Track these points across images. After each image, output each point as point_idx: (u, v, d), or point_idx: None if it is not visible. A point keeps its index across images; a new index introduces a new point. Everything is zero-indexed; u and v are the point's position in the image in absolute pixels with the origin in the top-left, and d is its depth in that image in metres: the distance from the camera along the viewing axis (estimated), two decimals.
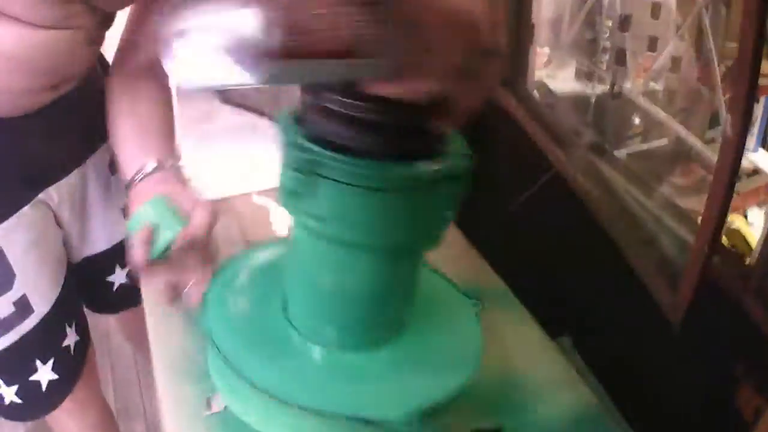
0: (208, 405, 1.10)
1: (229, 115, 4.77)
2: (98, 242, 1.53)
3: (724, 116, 1.02)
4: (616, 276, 1.34)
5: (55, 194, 1.36)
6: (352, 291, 0.96)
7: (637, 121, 1.81)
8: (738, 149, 0.99)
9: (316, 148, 0.82)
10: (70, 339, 1.43)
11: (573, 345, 1.39)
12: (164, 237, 1.10)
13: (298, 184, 0.85)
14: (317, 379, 0.99)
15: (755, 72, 0.95)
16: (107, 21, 1.21)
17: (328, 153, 0.81)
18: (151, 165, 1.17)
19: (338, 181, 0.82)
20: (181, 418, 1.10)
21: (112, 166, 1.49)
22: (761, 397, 1.08)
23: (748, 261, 1.22)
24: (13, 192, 1.29)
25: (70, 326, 1.43)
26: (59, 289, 1.38)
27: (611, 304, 1.41)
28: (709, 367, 1.21)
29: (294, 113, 0.90)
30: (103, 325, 2.73)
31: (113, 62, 1.30)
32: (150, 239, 1.09)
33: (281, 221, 1.51)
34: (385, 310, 1.01)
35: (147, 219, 1.11)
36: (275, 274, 1.10)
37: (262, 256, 1.20)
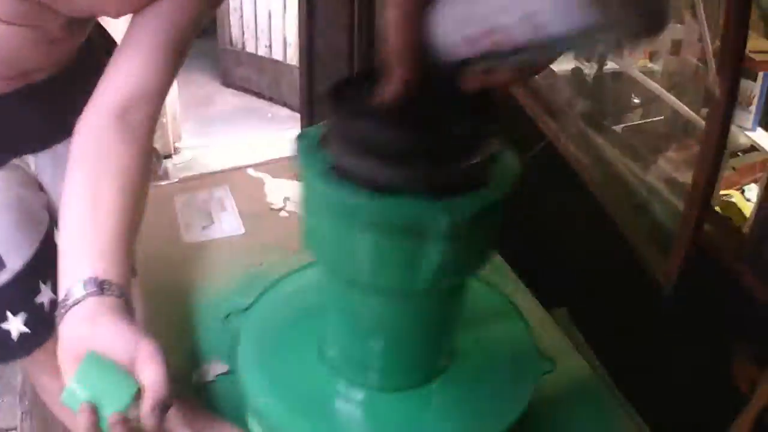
0: (199, 374, 1.11)
1: (230, 98, 4.79)
2: None
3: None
4: (611, 247, 1.34)
5: (31, 161, 1.34)
6: (392, 332, 0.89)
7: (636, 99, 1.81)
8: (726, 111, 0.99)
9: (350, 190, 0.73)
10: (44, 296, 1.39)
11: (568, 316, 1.38)
12: (112, 413, 0.83)
13: (331, 230, 0.79)
14: (364, 422, 0.95)
15: (742, 30, 0.94)
16: (80, 24, 1.19)
17: (365, 194, 0.72)
18: (84, 287, 0.90)
19: (376, 225, 0.75)
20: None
21: None
22: (757, 369, 1.08)
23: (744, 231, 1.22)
24: None
25: (45, 283, 1.40)
26: (36, 247, 1.37)
27: (607, 276, 1.40)
28: (704, 338, 1.21)
29: (316, 141, 0.81)
30: None
31: (81, 117, 1.04)
32: (95, 421, 0.83)
33: (276, 194, 1.51)
34: (430, 349, 0.94)
35: (84, 396, 0.83)
36: (306, 317, 1.04)
37: (289, 294, 1.10)
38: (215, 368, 1.11)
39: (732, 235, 1.18)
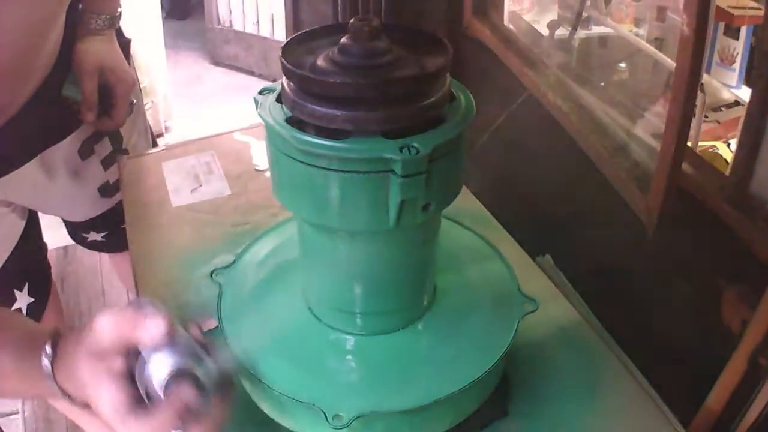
0: (186, 330, 1.11)
1: (220, 76, 4.80)
2: (73, 217, 1.59)
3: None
4: (595, 191, 1.35)
5: (7, 188, 1.36)
6: (368, 275, 0.90)
7: (622, 64, 1.81)
8: (696, 47, 0.99)
9: (311, 138, 0.76)
10: (21, 302, 1.46)
11: (554, 263, 1.39)
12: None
13: (299, 179, 0.80)
14: (350, 366, 0.96)
15: None
16: None
17: (326, 141, 0.75)
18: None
19: (339, 171, 0.76)
20: None
21: (82, 153, 1.49)
22: (747, 308, 1.09)
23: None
24: None
25: (20, 290, 1.46)
26: (6, 258, 1.41)
27: (591, 220, 1.41)
28: (692, 280, 1.22)
29: (273, 93, 0.85)
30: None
31: None
32: None
33: (261, 156, 1.53)
34: (408, 290, 0.95)
35: None
36: (288, 268, 1.04)
37: (271, 249, 1.11)
38: (205, 324, 1.12)
39: (714, 177, 1.19)
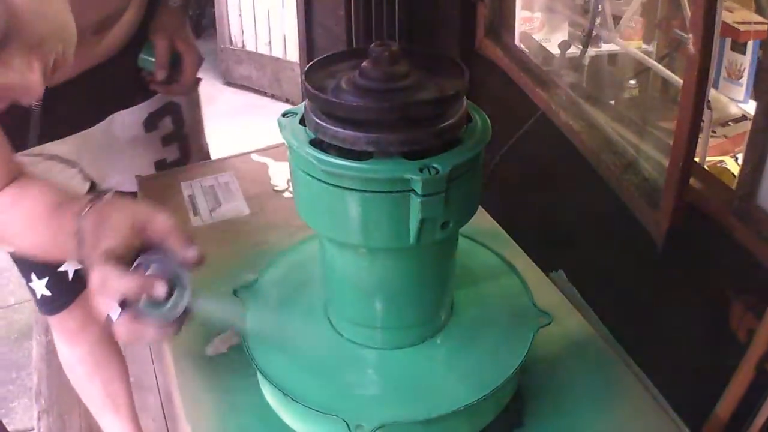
0: (212, 347, 1.15)
1: (232, 97, 4.82)
2: (126, 187, 1.61)
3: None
4: (605, 208, 1.37)
5: (72, 144, 1.46)
6: (388, 291, 0.94)
7: (632, 81, 1.84)
8: (702, 66, 1.02)
9: (334, 159, 0.79)
10: (69, 266, 1.54)
11: (567, 278, 1.42)
12: None
13: (322, 198, 0.84)
14: (371, 380, 0.99)
15: None
16: None
17: (349, 162, 0.79)
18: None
19: (360, 190, 0.80)
20: (185, 360, 1.14)
21: (147, 125, 1.61)
22: (754, 318, 1.11)
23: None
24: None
25: (39, 278, 1.56)
26: None
27: (603, 236, 1.43)
28: (700, 292, 1.24)
29: (297, 116, 0.89)
30: None
31: None
32: None
33: (279, 176, 1.55)
34: (427, 305, 0.99)
35: None
36: (309, 285, 1.08)
37: (292, 266, 1.15)
38: (228, 340, 1.15)
39: (721, 191, 1.21)
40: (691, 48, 1.03)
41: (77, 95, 1.38)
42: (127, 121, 1.57)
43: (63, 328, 1.74)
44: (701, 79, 1.04)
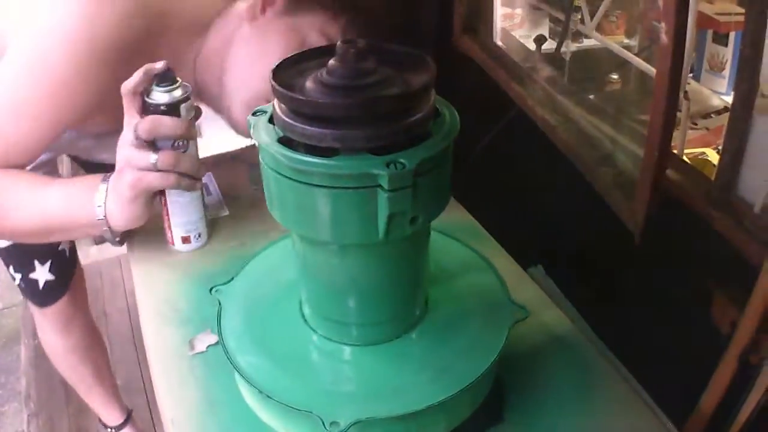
0: (192, 346, 1.15)
1: None
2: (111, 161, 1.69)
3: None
4: (583, 202, 1.37)
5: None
6: (360, 287, 0.94)
7: (614, 75, 1.84)
8: (675, 53, 1.02)
9: (302, 156, 0.80)
10: (39, 275, 1.65)
11: (545, 273, 1.42)
12: None
13: (291, 196, 0.85)
14: (346, 376, 1.00)
15: None
16: None
17: (316, 159, 0.79)
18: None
19: (328, 187, 0.80)
20: (166, 360, 1.14)
21: None
22: (736, 310, 1.11)
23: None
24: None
25: (42, 264, 1.65)
26: None
27: (581, 230, 1.44)
28: (681, 284, 1.24)
29: (265, 115, 0.90)
30: (100, 305, 2.77)
31: None
32: None
33: (257, 176, 1.55)
34: (400, 301, 0.99)
35: None
36: (285, 283, 1.09)
37: (268, 265, 1.16)
38: (206, 339, 1.15)
39: (700, 182, 1.21)
40: (664, 37, 1.03)
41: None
42: None
43: (59, 317, 1.81)
44: (675, 66, 1.04)
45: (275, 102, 0.85)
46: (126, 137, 1.11)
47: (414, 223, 0.84)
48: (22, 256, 1.65)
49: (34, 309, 1.83)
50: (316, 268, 0.95)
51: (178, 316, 1.22)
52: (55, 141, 1.18)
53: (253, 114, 0.90)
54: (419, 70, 0.85)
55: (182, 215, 1.30)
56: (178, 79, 1.16)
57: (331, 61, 0.82)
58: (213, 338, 1.15)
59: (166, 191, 1.25)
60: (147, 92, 1.15)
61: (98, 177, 1.14)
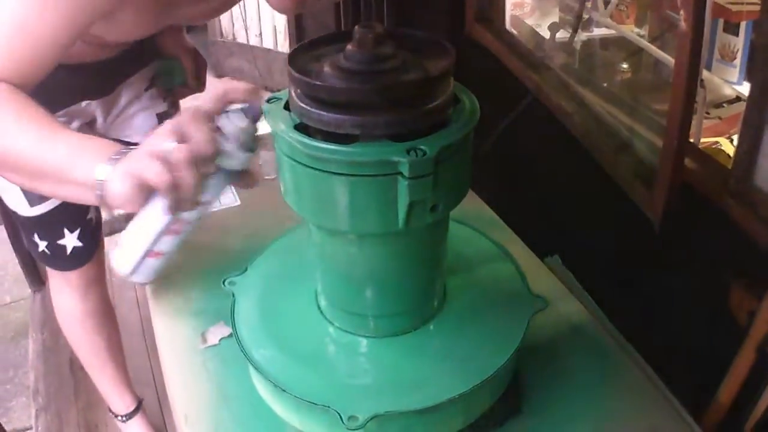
0: (204, 339, 1.13)
1: None
2: (133, 136, 1.71)
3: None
4: (600, 190, 1.36)
5: (93, 104, 1.58)
6: (378, 278, 0.93)
7: (624, 65, 1.82)
8: (694, 41, 1.01)
9: (320, 143, 0.78)
10: (68, 241, 1.67)
11: (562, 263, 1.40)
12: None
13: (308, 184, 0.83)
14: (364, 368, 0.98)
15: None
16: None
17: (334, 146, 0.77)
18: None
19: (347, 175, 0.79)
20: (178, 353, 1.13)
21: (149, 83, 1.72)
22: (754, 300, 1.10)
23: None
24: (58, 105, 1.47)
25: (72, 231, 1.67)
26: None
27: (598, 219, 1.42)
28: (699, 274, 1.23)
29: (281, 102, 0.88)
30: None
31: None
32: None
33: (269, 165, 1.54)
34: (418, 292, 0.97)
35: None
36: (299, 274, 1.07)
37: (282, 255, 1.14)
38: (219, 332, 1.14)
39: (718, 171, 1.20)
40: (683, 24, 1.01)
41: (109, 65, 1.50)
42: (132, 84, 1.67)
43: (81, 280, 1.83)
44: (694, 55, 1.02)
45: (291, 88, 0.83)
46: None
47: (434, 211, 0.82)
48: (52, 224, 1.66)
49: (53, 273, 1.84)
50: (333, 258, 0.93)
51: (190, 307, 1.20)
52: (69, 48, 1.14)
53: (268, 101, 0.88)
54: (438, 55, 0.83)
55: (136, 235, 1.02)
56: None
57: (349, 46, 0.80)
58: (226, 330, 1.14)
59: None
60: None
61: (116, 144, 1.09)
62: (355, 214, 0.82)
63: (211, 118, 0.93)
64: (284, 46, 4.26)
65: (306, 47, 0.86)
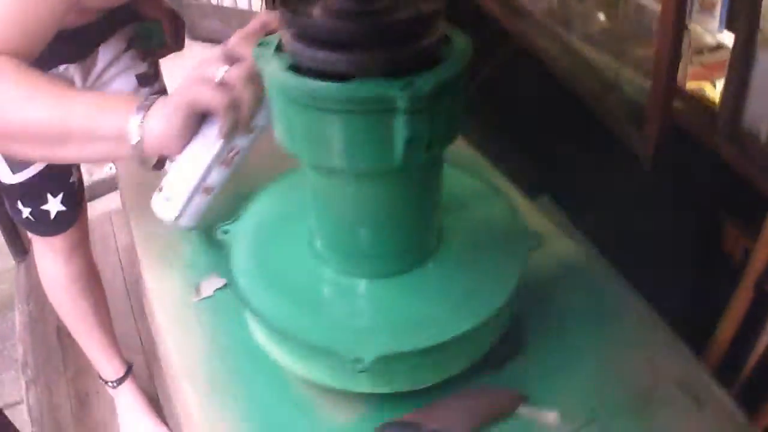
0: (197, 292, 1.12)
1: (200, 51, 4.74)
2: None
3: None
4: (587, 131, 1.35)
5: (71, 68, 1.60)
6: (374, 217, 0.92)
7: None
8: None
9: (317, 82, 0.77)
10: (52, 206, 1.71)
11: (551, 201, 1.40)
12: None
13: (305, 125, 0.82)
14: (362, 309, 0.98)
15: None
16: None
17: (332, 84, 0.76)
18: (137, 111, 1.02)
19: (339, 111, 0.78)
20: (170, 307, 1.12)
21: (127, 45, 1.74)
22: (747, 238, 1.10)
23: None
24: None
25: (54, 196, 1.71)
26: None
27: (585, 159, 1.42)
28: (692, 214, 1.23)
29: (271, 45, 0.86)
30: None
31: None
32: None
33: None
34: (414, 231, 0.96)
35: None
36: (292, 217, 1.06)
37: (274, 201, 1.13)
38: (213, 283, 1.13)
39: (705, 111, 1.20)
40: None
41: (87, 30, 1.53)
42: (110, 47, 1.69)
43: (65, 244, 1.85)
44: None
45: (283, 30, 0.82)
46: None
47: (430, 148, 0.82)
48: (35, 189, 1.68)
49: (37, 239, 1.86)
50: (330, 199, 0.93)
51: (183, 260, 1.19)
52: (65, 17, 1.13)
53: (259, 45, 0.87)
54: None
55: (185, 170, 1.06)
56: None
57: None
58: (220, 282, 1.13)
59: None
60: None
61: (134, 96, 1.07)
62: (352, 151, 0.81)
63: (257, 41, 0.90)
64: (258, 6, 4.23)
65: None
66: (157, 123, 0.98)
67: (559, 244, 1.18)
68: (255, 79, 0.95)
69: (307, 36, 0.78)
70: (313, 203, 0.96)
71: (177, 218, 1.01)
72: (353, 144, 0.80)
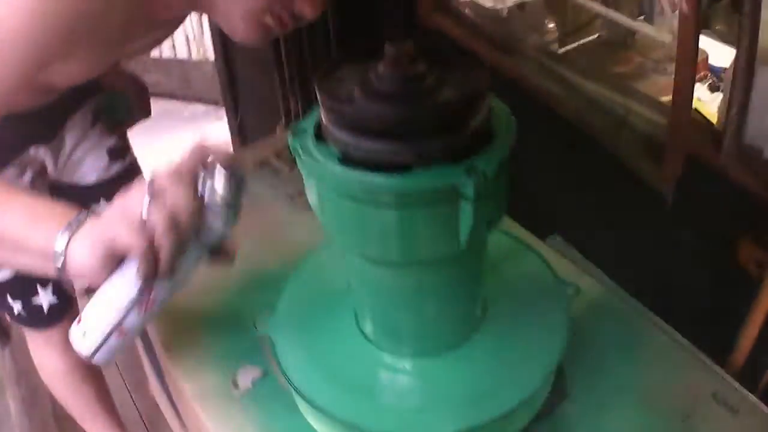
0: (235, 384, 1.10)
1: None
2: (86, 177, 1.66)
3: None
4: (596, 166, 1.36)
5: (41, 150, 1.52)
6: (428, 300, 0.90)
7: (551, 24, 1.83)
8: (695, 24, 1.04)
9: (374, 176, 0.74)
10: (43, 299, 1.65)
11: (565, 241, 1.40)
12: None
13: (354, 216, 0.79)
14: (416, 390, 0.96)
15: None
16: None
17: (393, 178, 0.73)
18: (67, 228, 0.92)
19: (399, 204, 0.76)
20: (212, 403, 1.10)
21: (93, 121, 1.64)
22: (762, 251, 1.11)
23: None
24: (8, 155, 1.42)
25: (44, 287, 1.64)
26: None
27: (597, 195, 1.42)
28: (705, 235, 1.24)
29: (308, 134, 0.82)
30: None
31: None
32: None
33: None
34: (466, 307, 0.96)
35: None
36: (334, 302, 1.04)
37: (310, 288, 1.10)
38: (249, 373, 1.11)
39: (707, 132, 1.21)
40: (684, 6, 1.04)
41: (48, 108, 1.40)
42: (77, 122, 1.61)
43: (61, 336, 1.77)
44: (695, 35, 1.06)
45: (325, 118, 0.78)
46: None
47: (491, 226, 0.80)
48: (23, 283, 1.62)
49: (31, 333, 1.81)
50: (381, 286, 0.91)
51: (211, 354, 1.17)
52: (29, 84, 1.07)
53: (293, 135, 0.82)
54: (463, 64, 0.80)
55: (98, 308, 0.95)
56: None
57: (381, 67, 0.76)
58: (256, 371, 1.11)
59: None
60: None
61: (73, 208, 0.95)
62: (412, 243, 0.79)
63: (191, 178, 0.84)
64: (198, 55, 4.20)
65: (327, 71, 0.81)
66: (80, 249, 0.89)
67: (579, 281, 1.18)
68: (178, 224, 0.85)
69: (358, 126, 0.75)
70: (360, 289, 0.94)
71: (92, 355, 0.96)
72: (413, 237, 0.78)
